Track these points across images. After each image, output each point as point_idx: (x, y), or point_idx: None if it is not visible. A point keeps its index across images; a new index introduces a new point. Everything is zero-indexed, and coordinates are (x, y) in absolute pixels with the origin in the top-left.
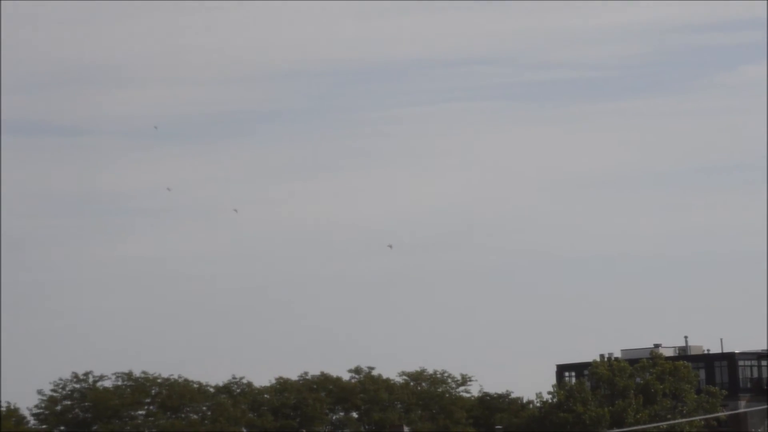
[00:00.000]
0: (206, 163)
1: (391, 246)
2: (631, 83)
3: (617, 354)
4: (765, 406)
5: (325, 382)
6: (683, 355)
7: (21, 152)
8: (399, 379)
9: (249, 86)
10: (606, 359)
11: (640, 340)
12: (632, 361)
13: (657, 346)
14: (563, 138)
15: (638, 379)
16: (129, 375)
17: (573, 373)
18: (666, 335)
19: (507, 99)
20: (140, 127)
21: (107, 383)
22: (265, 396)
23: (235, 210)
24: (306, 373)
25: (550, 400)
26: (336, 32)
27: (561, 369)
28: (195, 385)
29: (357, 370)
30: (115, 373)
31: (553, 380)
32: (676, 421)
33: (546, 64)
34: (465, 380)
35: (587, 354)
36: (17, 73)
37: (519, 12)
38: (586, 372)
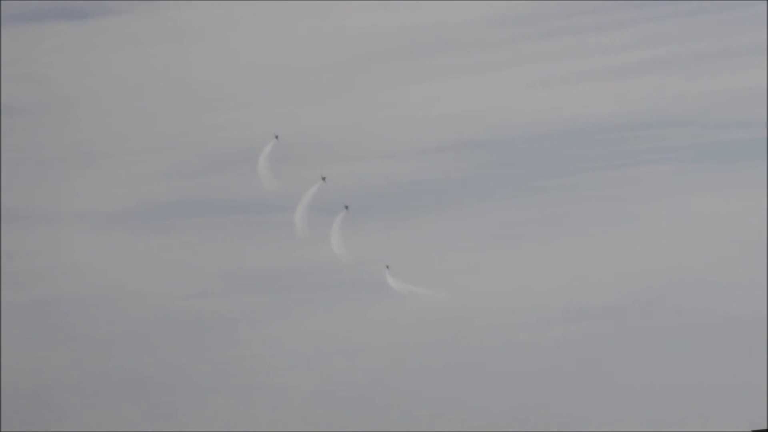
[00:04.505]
0: (401, 237)
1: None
2: None
3: None
4: None
5: None
6: None
7: (211, 230)
8: None
9: (440, 156)
10: None
11: None
12: None
13: None
14: (753, 200)
15: None
16: None
17: None
18: None
19: (694, 161)
20: (331, 201)
21: None
22: None
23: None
24: None
25: None
26: (522, 98)
27: None
28: None
29: None
30: None
31: None
32: None
33: (731, 123)
34: None
35: None
36: (206, 153)
37: (702, 72)
38: None
